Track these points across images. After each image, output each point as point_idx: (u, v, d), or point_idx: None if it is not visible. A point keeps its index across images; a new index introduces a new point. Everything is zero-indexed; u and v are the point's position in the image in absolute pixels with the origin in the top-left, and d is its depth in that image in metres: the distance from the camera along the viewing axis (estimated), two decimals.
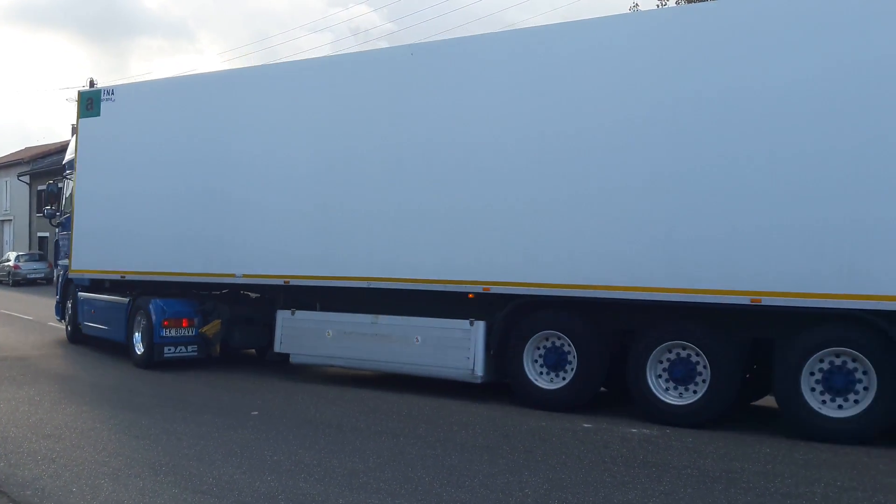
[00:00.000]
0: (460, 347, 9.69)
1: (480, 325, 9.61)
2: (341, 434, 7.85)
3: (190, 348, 12.07)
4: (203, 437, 7.58)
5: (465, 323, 9.69)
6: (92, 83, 38.90)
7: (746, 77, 8.13)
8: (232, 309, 12.37)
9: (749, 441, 8.00)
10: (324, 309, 11.07)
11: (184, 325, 11.98)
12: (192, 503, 5.57)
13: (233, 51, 78.69)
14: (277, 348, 11.42)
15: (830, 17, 7.95)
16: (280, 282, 11.17)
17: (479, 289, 9.54)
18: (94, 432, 7.79)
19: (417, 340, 10.04)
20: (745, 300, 7.95)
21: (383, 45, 71.02)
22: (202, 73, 14.12)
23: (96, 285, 14.05)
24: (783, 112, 7.95)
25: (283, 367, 12.29)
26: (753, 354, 8.54)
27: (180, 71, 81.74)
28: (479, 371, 9.63)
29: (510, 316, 9.49)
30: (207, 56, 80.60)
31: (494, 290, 9.44)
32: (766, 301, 7.85)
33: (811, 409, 7.92)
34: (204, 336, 12.15)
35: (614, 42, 8.94)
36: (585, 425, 8.60)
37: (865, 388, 7.75)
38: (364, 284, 10.36)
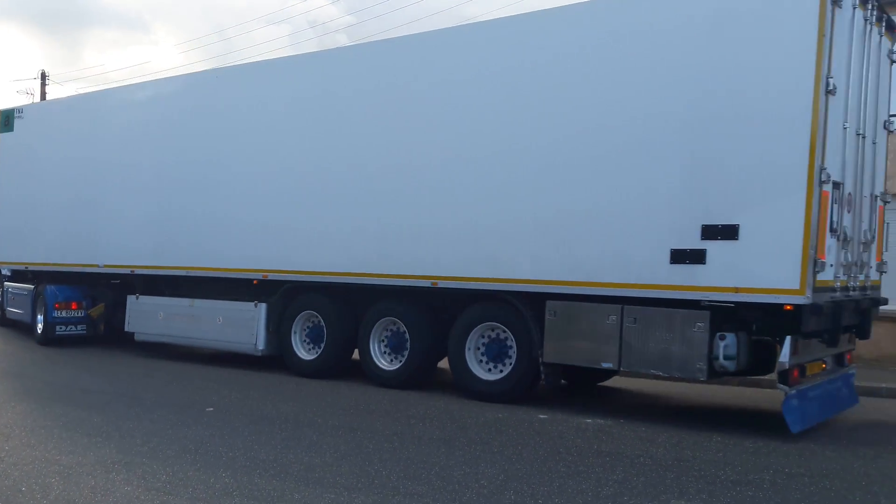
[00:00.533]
0: (248, 326, 11.55)
1: (262, 307, 11.47)
2: (298, 429, 7.80)
3: (79, 327, 14.17)
4: (156, 434, 7.48)
5: (251, 305, 11.56)
6: (43, 75, 38.06)
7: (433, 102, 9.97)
8: (115, 294, 14.09)
9: (701, 429, 8.16)
10: (171, 294, 12.83)
11: (73, 307, 14.13)
12: (144, 501, 5.49)
13: (188, 42, 77.39)
14: (127, 328, 13.27)
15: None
16: (128, 271, 13.30)
17: (260, 276, 11.44)
18: (44, 430, 7.64)
19: (220, 320, 11.92)
20: (427, 283, 9.76)
21: (342, 38, 70.44)
22: (78, 95, 16.61)
23: (20, 276, 16.00)
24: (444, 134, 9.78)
25: (237, 362, 12.20)
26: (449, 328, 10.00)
27: (134, 62, 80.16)
28: (261, 346, 11.48)
29: (281, 299, 11.41)
30: (163, 48, 79.00)
31: (271, 277, 11.33)
32: (441, 284, 9.66)
33: (474, 374, 9.60)
34: (90, 317, 14.19)
35: (325, 72, 11.03)
36: (541, 416, 8.69)
37: (515, 353, 9.37)
38: (183, 273, 12.40)
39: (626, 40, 8.59)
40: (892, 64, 9.16)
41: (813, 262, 7.36)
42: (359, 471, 6.27)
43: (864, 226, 8.69)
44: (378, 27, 65.13)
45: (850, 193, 8.18)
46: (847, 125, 7.95)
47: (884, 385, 11.30)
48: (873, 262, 9.04)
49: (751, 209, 7.66)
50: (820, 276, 7.50)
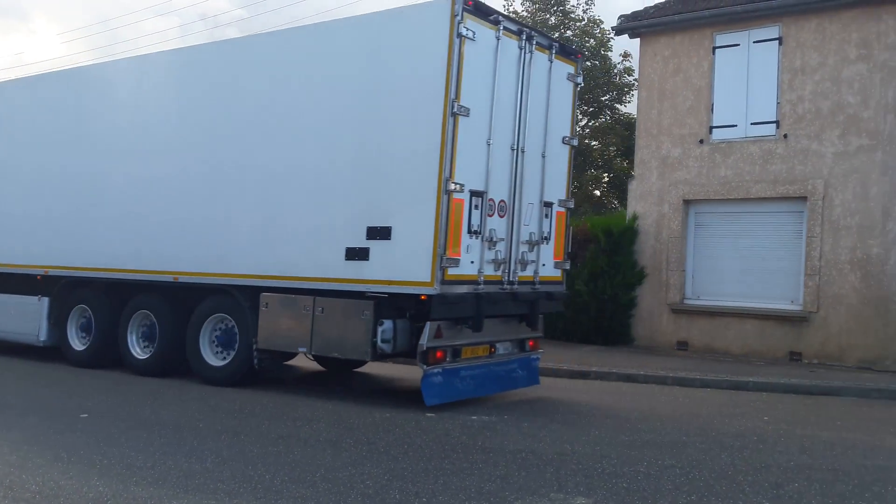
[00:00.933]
0: (33, 318, 12.29)
1: (45, 301, 12.23)
2: (178, 434, 7.59)
3: None
4: (27, 443, 7.12)
5: (35, 299, 12.32)
6: None
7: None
8: None
9: (580, 424, 8.45)
10: None
11: None
12: None
13: (71, 32, 73.19)
14: None
15: None
16: None
17: (42, 272, 12.26)
18: None
19: (11, 312, 12.62)
20: (170, 278, 10.77)
21: (232, 31, 68.57)
22: None
23: None
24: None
25: (115, 366, 11.74)
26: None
27: (10, 52, 75.50)
28: (43, 337, 12.22)
29: (60, 293, 12.18)
30: (43, 37, 74.47)
31: (51, 273, 12.16)
32: (181, 279, 10.65)
33: (205, 360, 10.48)
34: None
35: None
36: (429, 414, 8.78)
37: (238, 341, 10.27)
38: None
39: (308, 68, 9.81)
40: (576, 87, 10.39)
41: (440, 259, 8.49)
42: (241, 475, 6.17)
43: (532, 228, 9.80)
44: (271, 22, 63.83)
45: (502, 200, 9.31)
46: (492, 141, 9.01)
47: (751, 379, 11.98)
48: (549, 261, 10.13)
49: (400, 214, 8.87)
50: (455, 271, 8.68)
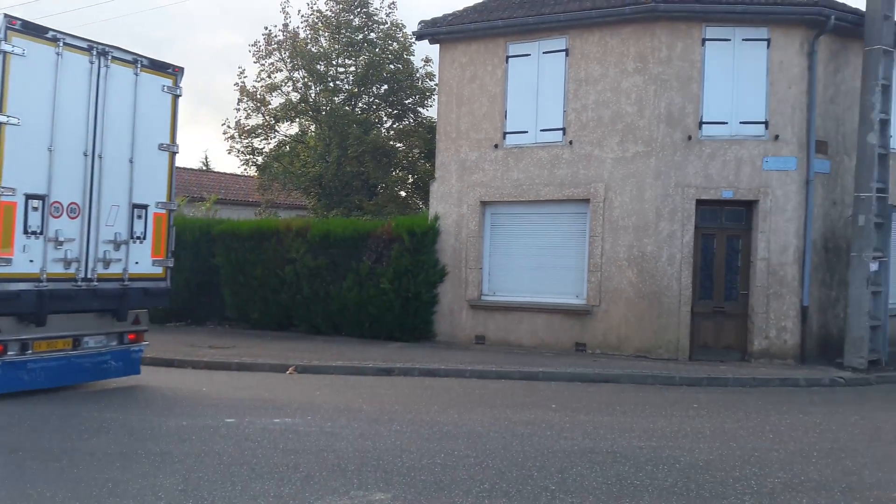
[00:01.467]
0: None
1: None
2: None
3: None
4: None
5: None
6: None
7: None
8: None
9: (381, 420, 8.61)
10: None
11: None
12: None
13: None
14: None
15: None
16: None
17: None
18: None
19: None
20: None
21: (18, 14, 62.35)
22: None
23: None
24: None
25: None
26: None
27: None
28: None
29: None
30: None
31: None
32: None
33: None
34: None
35: None
36: (228, 420, 8.59)
37: None
38: None
39: None
40: (175, 98, 11.11)
41: None
42: (18, 494, 5.75)
43: (118, 229, 10.47)
44: (60, 5, 58.80)
45: (73, 203, 9.92)
46: (53, 148, 9.63)
47: (541, 370, 12.72)
48: (145, 259, 10.86)
49: None
50: (7, 270, 9.23)
